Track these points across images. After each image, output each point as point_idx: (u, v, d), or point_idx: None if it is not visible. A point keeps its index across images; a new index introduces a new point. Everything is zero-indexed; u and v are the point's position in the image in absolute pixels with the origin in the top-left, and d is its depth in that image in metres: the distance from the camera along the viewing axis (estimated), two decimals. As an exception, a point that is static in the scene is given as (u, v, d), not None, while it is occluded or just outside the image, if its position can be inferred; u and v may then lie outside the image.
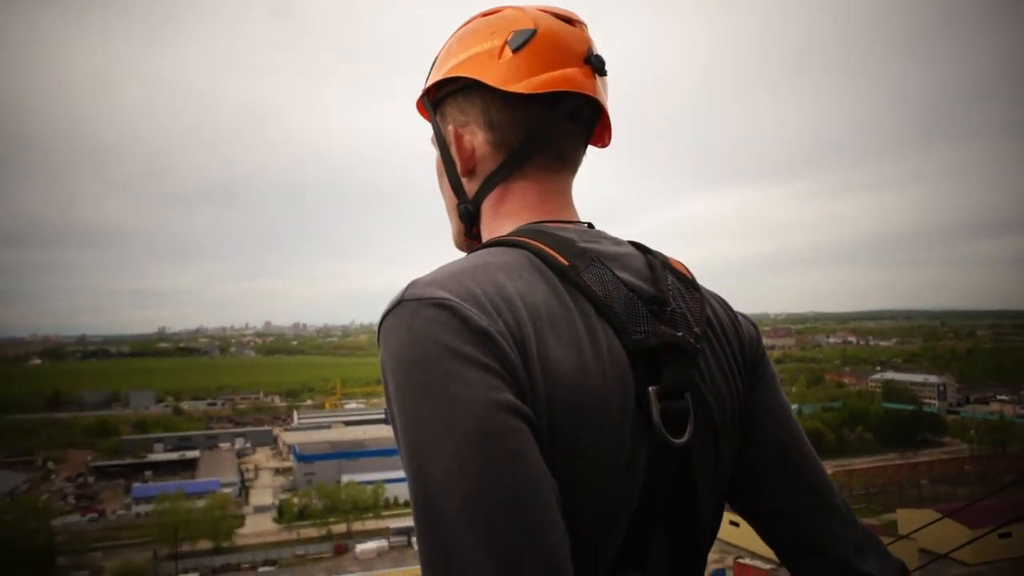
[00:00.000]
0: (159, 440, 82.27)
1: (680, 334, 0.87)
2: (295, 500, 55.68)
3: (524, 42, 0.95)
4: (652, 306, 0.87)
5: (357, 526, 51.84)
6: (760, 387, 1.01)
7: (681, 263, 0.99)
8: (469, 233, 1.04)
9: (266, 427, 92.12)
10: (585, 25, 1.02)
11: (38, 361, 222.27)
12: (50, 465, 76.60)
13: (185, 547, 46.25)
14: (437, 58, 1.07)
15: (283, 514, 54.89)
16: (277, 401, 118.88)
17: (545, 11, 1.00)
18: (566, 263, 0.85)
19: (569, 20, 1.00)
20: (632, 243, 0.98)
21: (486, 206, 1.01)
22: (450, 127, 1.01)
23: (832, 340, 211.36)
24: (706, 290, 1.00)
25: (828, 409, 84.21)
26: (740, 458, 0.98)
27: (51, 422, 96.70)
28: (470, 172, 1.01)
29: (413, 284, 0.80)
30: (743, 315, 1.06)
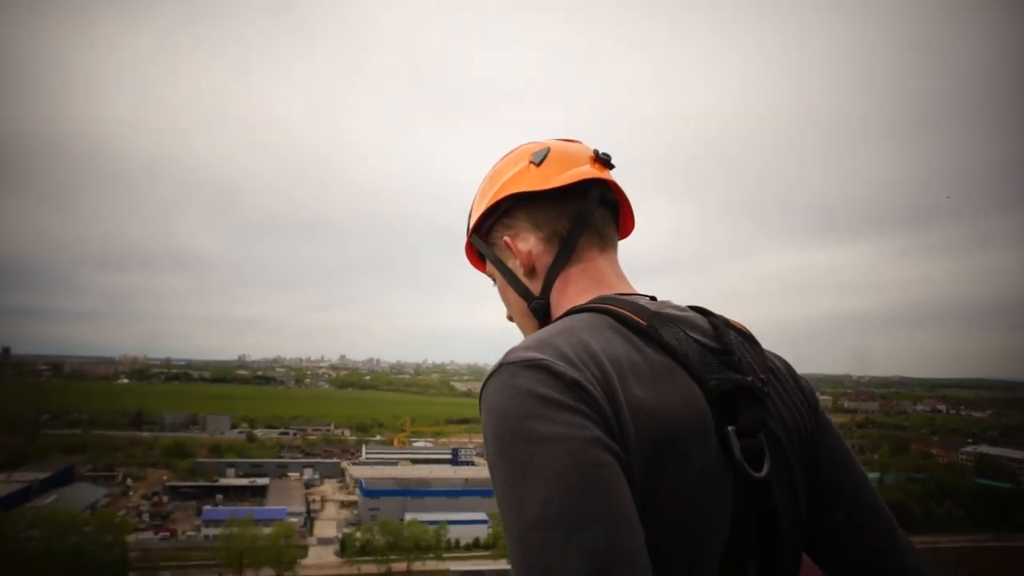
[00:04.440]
0: (232, 465, 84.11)
1: (749, 379, 0.94)
2: (358, 535, 55.73)
3: (543, 157, 1.16)
4: (721, 357, 0.96)
5: (417, 566, 51.42)
6: (822, 431, 1.09)
7: (740, 322, 1.08)
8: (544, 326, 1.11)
9: (335, 459, 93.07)
10: (583, 142, 1.24)
11: (125, 381, 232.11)
12: (129, 482, 79.21)
13: (249, 573, 46.76)
14: (472, 205, 1.26)
15: (345, 548, 55.00)
16: (347, 434, 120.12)
17: (551, 139, 1.24)
18: (644, 323, 0.95)
19: (570, 140, 1.24)
20: (692, 307, 1.07)
21: (553, 296, 1.13)
22: (504, 239, 1.17)
23: (920, 407, 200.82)
24: (765, 348, 1.09)
25: (913, 480, 79.53)
26: (811, 499, 1.04)
27: (133, 440, 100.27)
28: (531, 272, 1.15)
29: (511, 351, 0.89)
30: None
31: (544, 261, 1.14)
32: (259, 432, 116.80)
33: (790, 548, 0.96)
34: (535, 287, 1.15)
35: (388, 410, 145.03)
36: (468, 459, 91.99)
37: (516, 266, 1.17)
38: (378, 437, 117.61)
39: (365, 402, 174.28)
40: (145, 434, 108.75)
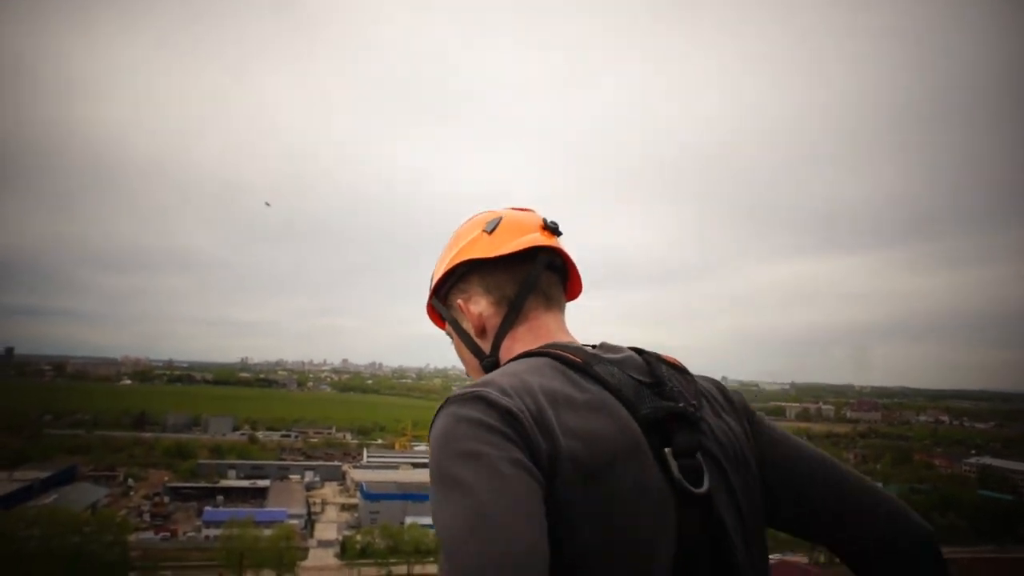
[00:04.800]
0: (233, 466, 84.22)
1: (681, 405, 1.04)
2: (358, 538, 55.66)
3: (495, 225, 1.27)
4: (654, 389, 1.06)
5: (418, 569, 51.33)
6: (760, 434, 1.18)
7: (673, 357, 1.18)
8: None
9: (336, 463, 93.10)
10: (535, 211, 1.35)
11: (128, 382, 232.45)
12: (130, 482, 79.29)
13: (249, 574, 46.75)
14: (434, 271, 1.36)
15: (345, 550, 54.93)
16: (348, 438, 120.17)
17: (504, 208, 1.35)
18: (580, 361, 1.05)
19: (523, 209, 1.35)
20: (631, 348, 1.18)
21: (502, 353, 1.22)
22: (458, 302, 1.28)
23: (923, 418, 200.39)
24: (696, 374, 1.19)
25: (916, 491, 79.33)
26: (769, 495, 1.13)
27: (136, 441, 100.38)
28: (481, 332, 1.25)
29: (459, 389, 0.98)
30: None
31: (493, 322, 1.23)
32: (261, 434, 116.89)
33: (742, 556, 1.00)
34: (486, 346, 1.24)
35: (390, 414, 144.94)
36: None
37: (469, 327, 1.26)
38: (379, 441, 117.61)
39: (367, 406, 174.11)
40: (147, 435, 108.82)
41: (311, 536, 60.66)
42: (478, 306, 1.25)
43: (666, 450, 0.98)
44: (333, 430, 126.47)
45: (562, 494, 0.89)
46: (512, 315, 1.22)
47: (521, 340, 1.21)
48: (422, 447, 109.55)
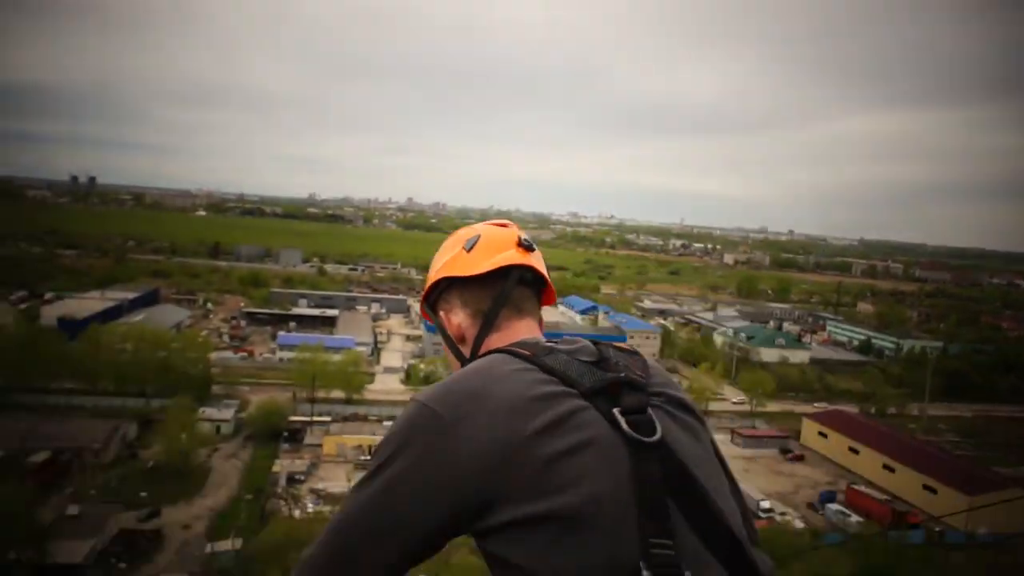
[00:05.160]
0: (304, 296, 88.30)
1: (623, 375, 1.15)
2: (421, 366, 58.56)
3: (474, 243, 1.43)
4: (599, 366, 1.18)
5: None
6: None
7: (628, 346, 1.32)
8: None
9: (401, 296, 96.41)
10: (515, 224, 1.51)
11: (203, 213, 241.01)
12: (209, 306, 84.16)
13: (320, 394, 50.20)
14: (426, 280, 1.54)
15: (410, 377, 58.00)
16: (413, 274, 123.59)
17: (486, 223, 1.52)
18: (529, 354, 1.18)
19: (502, 224, 1.51)
20: (589, 339, 1.31)
21: None
22: (441, 314, 1.46)
23: (995, 281, 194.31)
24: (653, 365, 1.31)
25: (979, 351, 78.34)
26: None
27: (212, 269, 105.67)
28: (461, 340, 1.42)
29: (425, 392, 1.14)
30: None
31: (471, 332, 1.39)
32: (329, 267, 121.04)
33: (711, 487, 1.09)
34: (466, 351, 1.40)
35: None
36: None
37: (451, 334, 1.43)
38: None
39: (431, 244, 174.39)
40: (222, 263, 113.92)
41: (377, 363, 64.18)
42: (457, 317, 1.41)
43: (614, 409, 1.07)
44: (399, 266, 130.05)
45: (507, 465, 1.02)
46: (487, 326, 1.38)
47: (494, 346, 1.33)
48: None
